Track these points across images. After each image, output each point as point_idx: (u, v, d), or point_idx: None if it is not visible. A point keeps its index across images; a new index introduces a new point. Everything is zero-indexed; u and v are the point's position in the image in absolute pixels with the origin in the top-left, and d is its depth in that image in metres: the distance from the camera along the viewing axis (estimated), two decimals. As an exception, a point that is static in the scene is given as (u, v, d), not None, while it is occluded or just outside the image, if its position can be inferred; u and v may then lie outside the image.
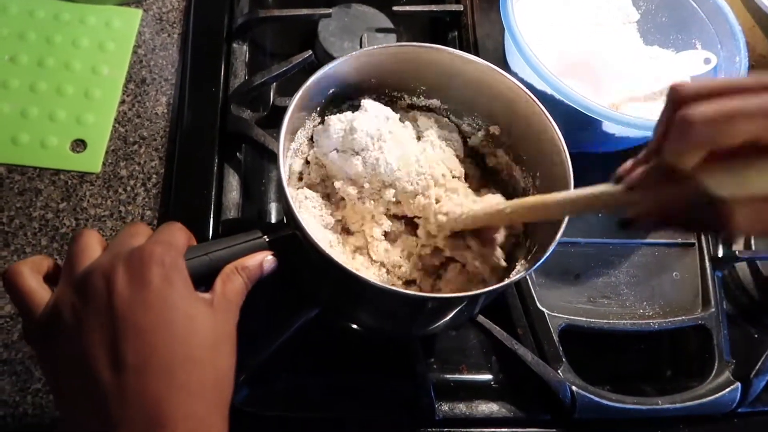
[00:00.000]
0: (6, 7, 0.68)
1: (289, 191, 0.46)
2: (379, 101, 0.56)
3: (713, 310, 0.65)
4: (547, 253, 0.46)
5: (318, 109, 0.55)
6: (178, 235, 0.41)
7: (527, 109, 0.52)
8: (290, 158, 0.54)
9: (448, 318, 0.53)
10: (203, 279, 0.41)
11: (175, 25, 0.71)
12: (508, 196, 0.52)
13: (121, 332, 0.36)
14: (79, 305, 0.37)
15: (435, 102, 0.58)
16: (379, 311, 0.54)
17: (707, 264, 0.67)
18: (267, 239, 0.45)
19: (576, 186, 0.47)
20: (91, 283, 0.37)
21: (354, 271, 0.43)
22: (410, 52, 0.53)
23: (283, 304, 0.58)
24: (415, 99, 0.58)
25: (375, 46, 0.53)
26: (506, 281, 0.48)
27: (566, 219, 0.46)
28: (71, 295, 0.37)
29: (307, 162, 0.56)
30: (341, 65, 0.51)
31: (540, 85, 0.58)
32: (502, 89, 0.53)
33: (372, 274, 0.53)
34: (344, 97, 0.56)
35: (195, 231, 0.58)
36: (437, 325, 0.55)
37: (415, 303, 0.47)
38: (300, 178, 0.56)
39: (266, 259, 0.44)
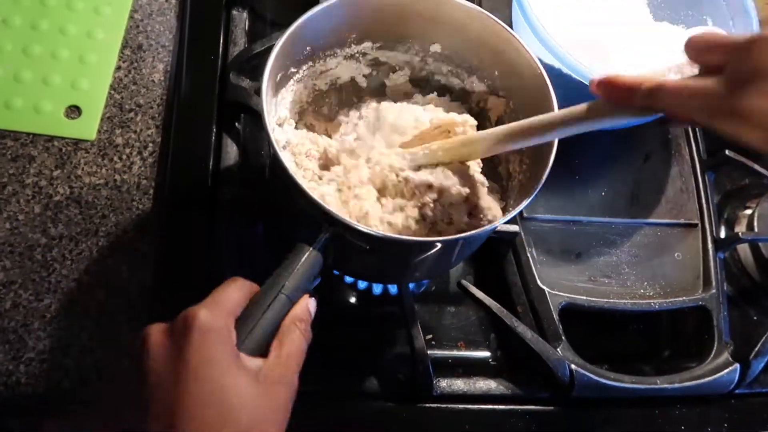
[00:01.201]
0: (-2, -33, 0.66)
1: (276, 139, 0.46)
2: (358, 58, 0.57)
3: (714, 291, 0.64)
4: (530, 198, 0.45)
5: (303, 65, 0.54)
6: (232, 294, 0.39)
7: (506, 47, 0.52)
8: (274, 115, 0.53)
9: (429, 262, 0.52)
10: (264, 342, 0.39)
11: (172, -10, 0.69)
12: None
13: (148, 401, 0.34)
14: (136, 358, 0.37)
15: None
16: (363, 256, 0.53)
17: (709, 245, 0.67)
18: (314, 248, 0.42)
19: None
20: (138, 342, 0.37)
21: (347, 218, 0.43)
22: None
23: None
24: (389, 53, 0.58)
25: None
26: (487, 226, 0.47)
27: (551, 160, 0.45)
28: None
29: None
30: (324, 12, 0.50)
31: (548, 59, 0.57)
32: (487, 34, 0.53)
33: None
34: (327, 51, 0.55)
35: (191, 204, 0.58)
36: (417, 271, 0.54)
37: (392, 245, 0.46)
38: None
39: (310, 302, 0.42)
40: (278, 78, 0.51)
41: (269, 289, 0.40)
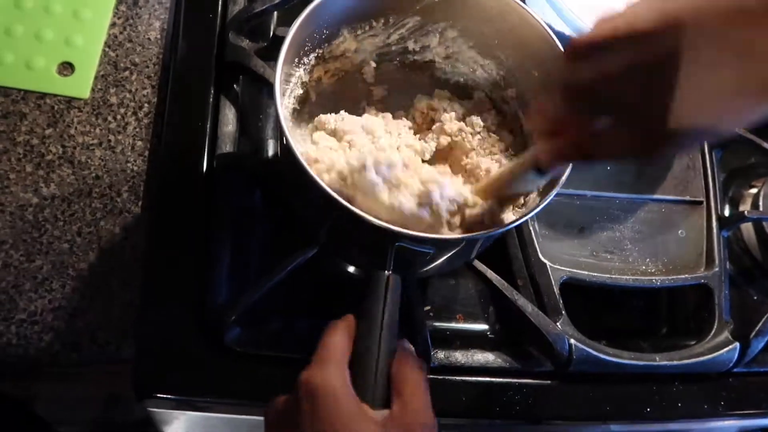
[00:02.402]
0: None
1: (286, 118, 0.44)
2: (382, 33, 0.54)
3: (716, 269, 0.63)
4: (546, 201, 0.45)
5: (318, 41, 0.52)
6: (338, 343, 0.39)
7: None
8: (289, 93, 0.51)
9: (443, 260, 0.51)
10: (386, 391, 0.38)
11: (170, -55, 0.67)
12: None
13: None
14: None
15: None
16: (371, 248, 0.52)
17: (714, 223, 0.66)
18: (389, 271, 0.42)
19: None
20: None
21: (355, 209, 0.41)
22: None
23: (279, 244, 0.57)
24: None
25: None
26: (501, 228, 0.46)
27: (570, 166, 0.45)
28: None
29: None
30: None
31: (561, 27, 0.55)
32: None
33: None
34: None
35: (188, 165, 0.57)
36: (431, 266, 0.53)
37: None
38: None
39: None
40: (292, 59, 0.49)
41: (370, 331, 0.40)
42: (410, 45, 0.58)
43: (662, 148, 0.34)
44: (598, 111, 0.36)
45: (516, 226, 0.48)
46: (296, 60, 0.51)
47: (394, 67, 0.60)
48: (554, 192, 0.45)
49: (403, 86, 0.60)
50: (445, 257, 0.52)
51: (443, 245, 0.48)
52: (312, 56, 0.53)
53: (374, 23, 0.55)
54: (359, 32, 0.55)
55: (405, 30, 0.56)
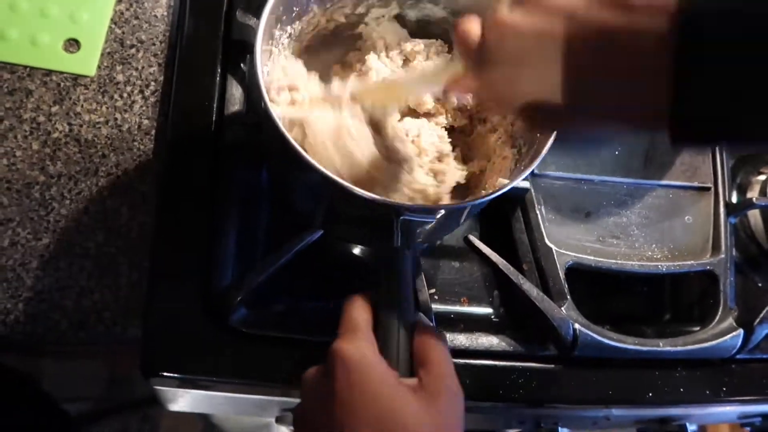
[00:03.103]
0: None
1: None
2: None
3: (723, 256, 0.63)
4: (536, 162, 0.46)
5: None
6: (360, 316, 0.40)
7: None
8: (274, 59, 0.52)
9: (433, 228, 0.52)
10: (410, 360, 0.39)
11: None
12: None
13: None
14: None
15: None
16: (373, 225, 0.52)
17: (721, 209, 0.66)
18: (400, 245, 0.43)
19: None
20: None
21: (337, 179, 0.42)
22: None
23: (286, 223, 0.56)
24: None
25: None
26: (499, 190, 0.46)
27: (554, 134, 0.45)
28: None
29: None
30: None
31: None
32: None
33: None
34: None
35: (194, 146, 0.56)
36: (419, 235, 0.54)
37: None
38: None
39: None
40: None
41: (389, 304, 0.41)
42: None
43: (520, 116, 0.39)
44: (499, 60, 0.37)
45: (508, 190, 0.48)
46: (271, 40, 0.52)
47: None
48: (544, 151, 0.46)
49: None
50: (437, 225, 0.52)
51: (448, 213, 0.47)
52: (284, 37, 0.54)
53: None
54: (328, 5, 0.55)
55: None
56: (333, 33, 0.59)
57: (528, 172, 0.47)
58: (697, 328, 0.61)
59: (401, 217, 0.43)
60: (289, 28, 0.53)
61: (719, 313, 0.61)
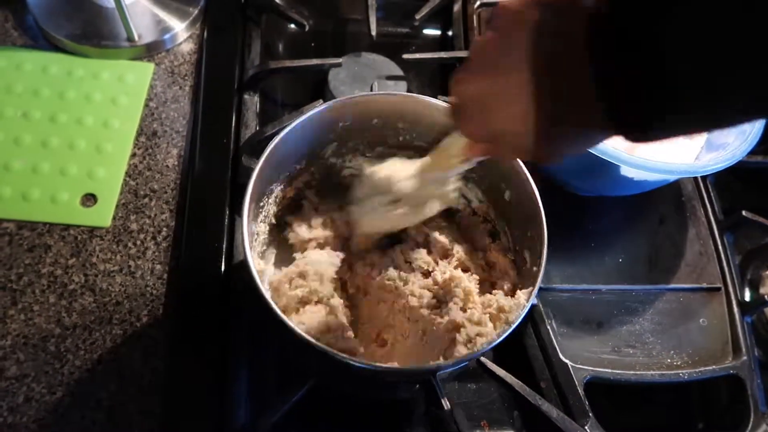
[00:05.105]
0: (20, 64, 0.69)
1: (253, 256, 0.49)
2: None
3: (745, 358, 0.62)
4: (514, 325, 0.49)
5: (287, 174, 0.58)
6: None
7: None
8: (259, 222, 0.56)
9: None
10: None
11: (186, 78, 0.72)
12: None
13: None
14: None
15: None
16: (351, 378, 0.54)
17: (735, 309, 0.65)
18: None
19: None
20: None
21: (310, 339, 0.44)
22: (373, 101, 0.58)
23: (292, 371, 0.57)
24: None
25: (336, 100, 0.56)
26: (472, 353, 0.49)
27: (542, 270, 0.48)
28: None
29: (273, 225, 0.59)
30: (303, 124, 0.55)
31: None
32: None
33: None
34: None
35: (205, 283, 0.58)
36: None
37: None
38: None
39: None
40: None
41: None
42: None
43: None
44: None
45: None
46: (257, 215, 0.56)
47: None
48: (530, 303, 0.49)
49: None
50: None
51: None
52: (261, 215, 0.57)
53: (297, 166, 0.59)
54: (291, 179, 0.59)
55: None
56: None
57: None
58: (732, 437, 0.58)
59: (439, 372, 0.44)
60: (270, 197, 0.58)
61: (752, 419, 0.59)
